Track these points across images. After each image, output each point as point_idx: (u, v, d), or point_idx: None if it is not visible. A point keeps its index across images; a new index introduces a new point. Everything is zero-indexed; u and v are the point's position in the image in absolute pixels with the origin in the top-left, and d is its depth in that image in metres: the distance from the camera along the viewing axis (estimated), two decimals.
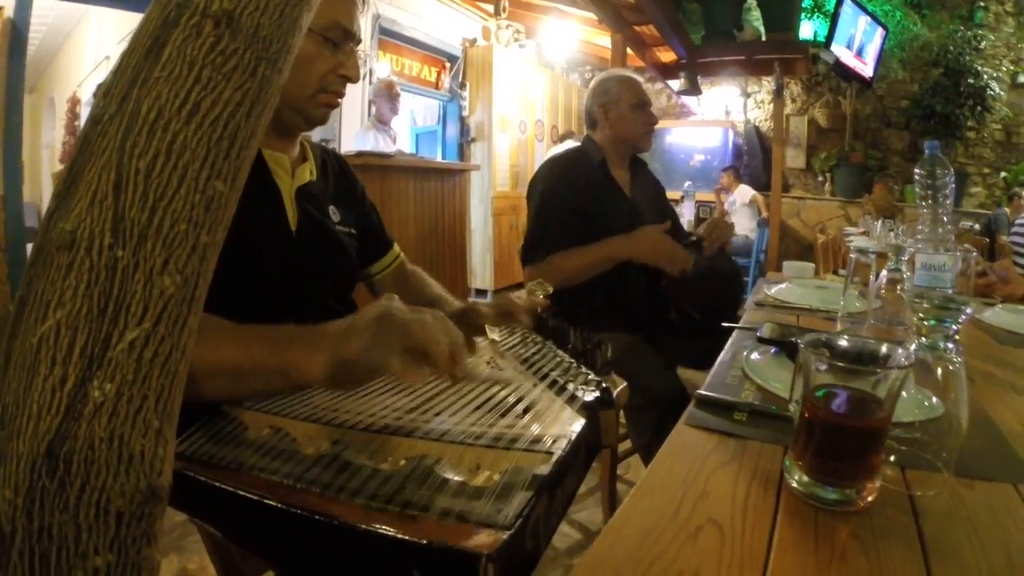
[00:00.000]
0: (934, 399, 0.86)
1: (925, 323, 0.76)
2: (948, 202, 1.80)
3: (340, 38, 1.15)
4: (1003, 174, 8.49)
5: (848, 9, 6.98)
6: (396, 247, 1.60)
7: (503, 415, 0.89)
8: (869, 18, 7.43)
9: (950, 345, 0.75)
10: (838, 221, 8.40)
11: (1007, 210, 7.31)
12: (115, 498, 0.49)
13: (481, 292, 6.76)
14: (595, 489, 2.51)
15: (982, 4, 8.53)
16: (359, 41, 1.20)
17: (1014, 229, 6.37)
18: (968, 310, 0.77)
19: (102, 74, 7.08)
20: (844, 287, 1.55)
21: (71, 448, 0.47)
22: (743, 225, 7.17)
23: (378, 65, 5.96)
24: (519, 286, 7.07)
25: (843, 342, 0.76)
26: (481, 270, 6.80)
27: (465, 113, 7.00)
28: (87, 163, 0.47)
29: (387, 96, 4.92)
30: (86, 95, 7.62)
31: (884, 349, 0.74)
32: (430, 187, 4.06)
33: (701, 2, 6.76)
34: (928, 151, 1.86)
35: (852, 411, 0.70)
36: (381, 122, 4.93)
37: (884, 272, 1.67)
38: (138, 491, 0.50)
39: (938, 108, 7.93)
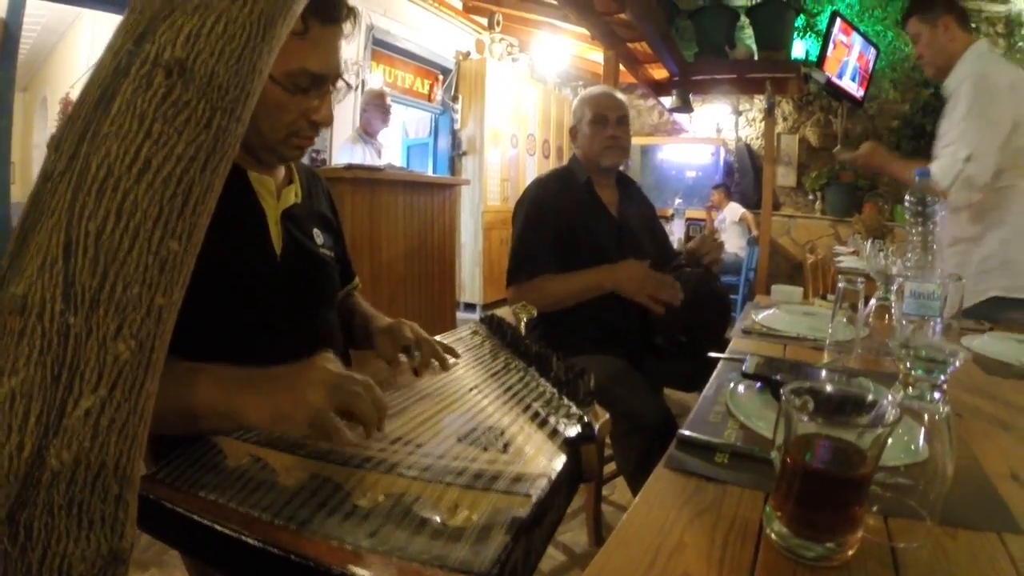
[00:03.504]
0: (920, 440, 0.84)
1: (912, 373, 0.74)
2: (938, 229, 1.79)
3: (309, 84, 1.11)
4: None
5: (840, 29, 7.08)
6: (356, 280, 1.62)
7: (485, 449, 0.89)
8: (861, 38, 7.50)
9: (936, 395, 0.73)
10: (828, 240, 8.45)
11: None
12: (76, 563, 0.48)
13: (470, 306, 6.77)
14: (579, 511, 2.48)
15: (973, 25, 8.62)
16: (338, 79, 1.17)
17: None
18: (956, 363, 0.75)
19: None
20: (832, 314, 1.53)
21: (31, 515, 0.46)
22: (733, 243, 7.18)
23: (371, 76, 5.95)
24: (507, 301, 7.04)
25: (828, 388, 0.74)
26: (470, 284, 6.80)
27: (457, 126, 7.01)
28: (37, 222, 0.45)
29: (378, 107, 4.89)
30: (78, 95, 7.60)
31: (870, 397, 0.72)
32: (420, 201, 4.04)
33: (694, 19, 6.80)
34: (919, 178, 1.85)
35: (835, 462, 0.68)
36: (367, 134, 4.89)
37: (873, 300, 1.66)
38: (99, 556, 0.50)
39: (928, 128, 7.99)
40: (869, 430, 0.66)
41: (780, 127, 9.10)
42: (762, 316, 1.90)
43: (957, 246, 2.51)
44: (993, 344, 1.79)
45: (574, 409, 1.03)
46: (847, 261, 4.63)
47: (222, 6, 0.39)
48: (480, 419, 1.00)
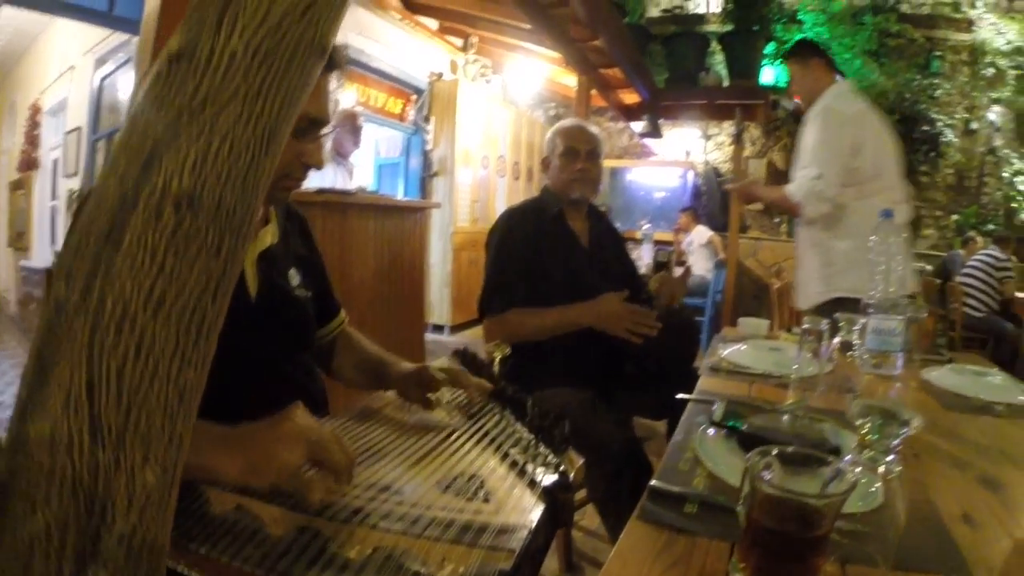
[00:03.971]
0: (876, 485, 0.88)
1: (868, 436, 0.78)
2: (900, 268, 1.85)
3: (306, 127, 1.14)
4: (955, 217, 8.88)
5: None
6: (343, 312, 1.61)
7: (469, 499, 0.93)
8: None
9: (890, 457, 0.77)
10: (794, 262, 8.55)
11: (962, 252, 7.59)
12: None
13: (439, 328, 6.76)
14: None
15: (938, 54, 8.92)
16: (327, 122, 1.19)
17: (964, 271, 6.62)
18: (906, 430, 0.79)
19: (66, 85, 6.98)
20: (798, 350, 1.59)
21: None
22: (700, 265, 7.27)
23: (344, 95, 5.93)
24: (478, 322, 7.04)
25: (790, 451, 0.78)
26: (439, 305, 6.79)
27: (429, 147, 7.03)
28: (56, 354, 0.46)
29: (350, 128, 4.86)
30: (48, 103, 7.51)
31: (828, 469, 0.76)
32: (390, 225, 4.05)
33: (666, 45, 6.91)
34: (882, 218, 1.92)
35: (795, 522, 0.72)
36: (340, 155, 4.87)
37: (836, 338, 1.72)
38: None
39: None
40: (826, 497, 0.70)
41: (748, 151, 9.28)
42: (729, 352, 1.95)
43: (810, 253, 2.94)
44: (951, 377, 1.86)
45: (550, 457, 1.07)
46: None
47: (226, 127, 0.40)
48: (461, 467, 1.03)
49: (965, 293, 6.39)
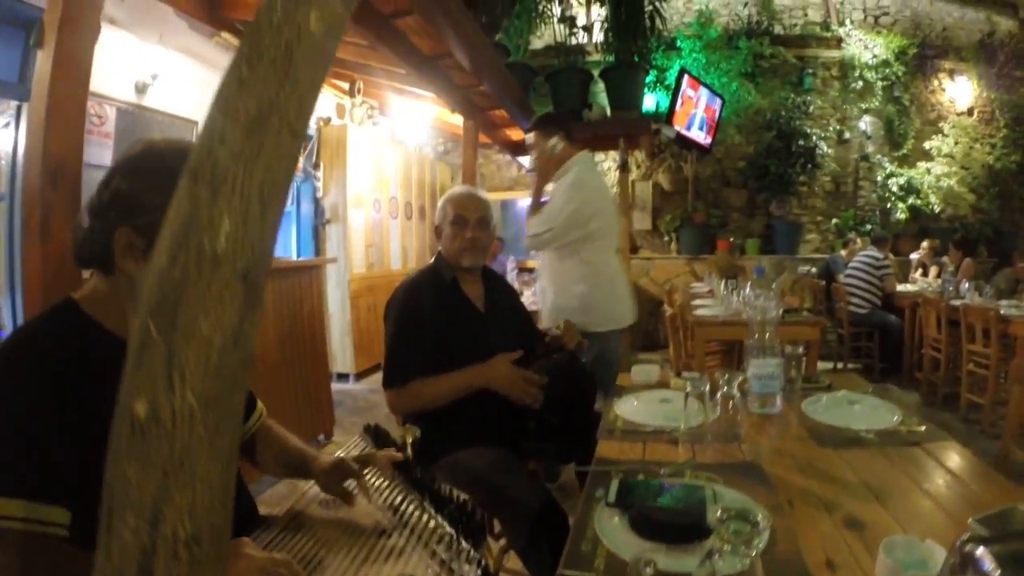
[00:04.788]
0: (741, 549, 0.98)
1: (726, 536, 0.88)
2: (773, 315, 2.00)
3: None
4: (834, 221, 9.63)
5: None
6: (259, 403, 1.63)
7: None
8: (708, 91, 8.10)
9: (746, 549, 0.87)
10: (685, 277, 8.97)
11: (843, 253, 8.15)
12: None
13: (343, 376, 6.69)
14: None
15: (810, 71, 9.59)
16: None
17: (847, 272, 7.07)
18: (759, 529, 0.89)
19: None
20: (684, 403, 1.72)
21: None
22: None
23: None
24: (380, 366, 7.01)
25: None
26: (342, 354, 6.72)
27: (320, 194, 6.95)
28: None
29: None
30: None
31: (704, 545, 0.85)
32: (287, 286, 4.02)
33: (550, 80, 7.12)
34: (756, 275, 2.09)
35: None
36: None
37: (719, 392, 1.85)
38: None
39: (772, 168, 8.78)
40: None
41: (635, 174, 9.66)
42: (623, 407, 2.06)
43: (552, 289, 3.31)
44: (828, 409, 2.00)
45: (472, 553, 1.16)
46: (702, 310, 4.91)
47: (202, 468, 0.44)
48: (398, 569, 1.11)
49: (849, 292, 6.87)
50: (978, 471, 1.55)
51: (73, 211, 1.74)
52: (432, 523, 1.29)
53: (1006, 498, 1.33)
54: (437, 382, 2.24)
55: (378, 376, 6.87)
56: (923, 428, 1.80)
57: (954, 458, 1.62)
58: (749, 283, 2.10)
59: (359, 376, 6.83)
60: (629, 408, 2.05)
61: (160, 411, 0.42)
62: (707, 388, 1.70)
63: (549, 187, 3.39)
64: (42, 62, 1.79)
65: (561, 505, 2.02)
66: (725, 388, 1.84)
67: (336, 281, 6.76)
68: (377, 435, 1.75)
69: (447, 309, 2.38)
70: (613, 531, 1.20)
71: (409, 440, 1.61)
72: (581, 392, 2.50)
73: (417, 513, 1.34)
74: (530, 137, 3.39)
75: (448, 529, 1.24)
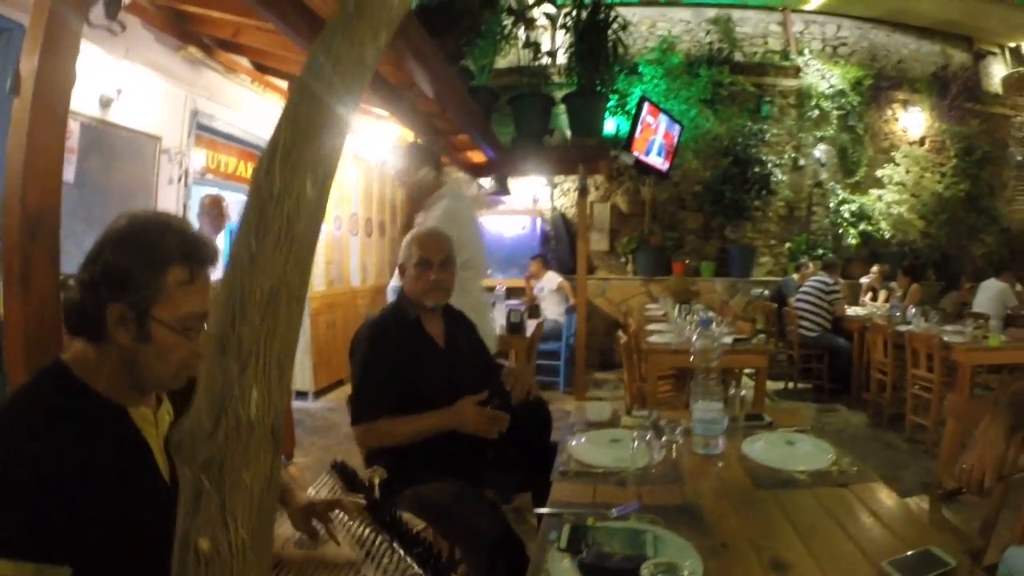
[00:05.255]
0: None
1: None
2: (715, 363, 2.15)
3: (199, 325, 1.23)
4: (788, 245, 9.92)
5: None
6: None
7: None
8: (667, 118, 8.31)
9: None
10: (641, 298, 9.13)
11: (795, 277, 8.39)
12: None
13: (302, 394, 6.69)
14: None
15: (768, 99, 9.89)
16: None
17: (798, 296, 7.29)
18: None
19: None
20: (632, 445, 1.86)
21: None
22: (552, 310, 7.60)
23: (193, 157, 5.66)
24: (340, 383, 7.05)
25: None
26: (301, 372, 6.69)
27: None
28: None
29: (212, 215, 4.76)
30: None
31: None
32: None
33: (513, 104, 7.18)
34: (702, 327, 2.25)
35: None
36: None
37: (665, 437, 1.99)
38: None
39: (728, 194, 9.03)
40: None
41: (593, 196, 9.82)
42: (576, 445, 2.20)
43: None
44: (768, 449, 2.11)
45: None
46: (656, 336, 5.04)
47: None
48: None
49: (800, 316, 7.11)
50: (900, 513, 1.68)
51: (53, 263, 1.73)
52: (403, 566, 1.38)
53: (923, 540, 1.46)
54: (407, 422, 2.34)
55: (337, 394, 6.91)
56: (855, 469, 1.93)
57: (879, 500, 1.74)
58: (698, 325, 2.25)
59: (318, 394, 6.84)
60: (581, 448, 2.18)
61: (219, 546, 0.53)
62: (653, 432, 1.84)
63: (419, 217, 3.56)
64: (18, 111, 1.73)
65: (516, 530, 2.12)
66: (667, 436, 1.98)
67: None
68: (344, 473, 1.83)
69: (411, 346, 2.48)
70: (566, 572, 1.32)
71: (376, 481, 1.70)
72: (535, 425, 2.65)
73: (389, 554, 1.43)
74: (403, 162, 3.63)
75: (417, 570, 1.34)
